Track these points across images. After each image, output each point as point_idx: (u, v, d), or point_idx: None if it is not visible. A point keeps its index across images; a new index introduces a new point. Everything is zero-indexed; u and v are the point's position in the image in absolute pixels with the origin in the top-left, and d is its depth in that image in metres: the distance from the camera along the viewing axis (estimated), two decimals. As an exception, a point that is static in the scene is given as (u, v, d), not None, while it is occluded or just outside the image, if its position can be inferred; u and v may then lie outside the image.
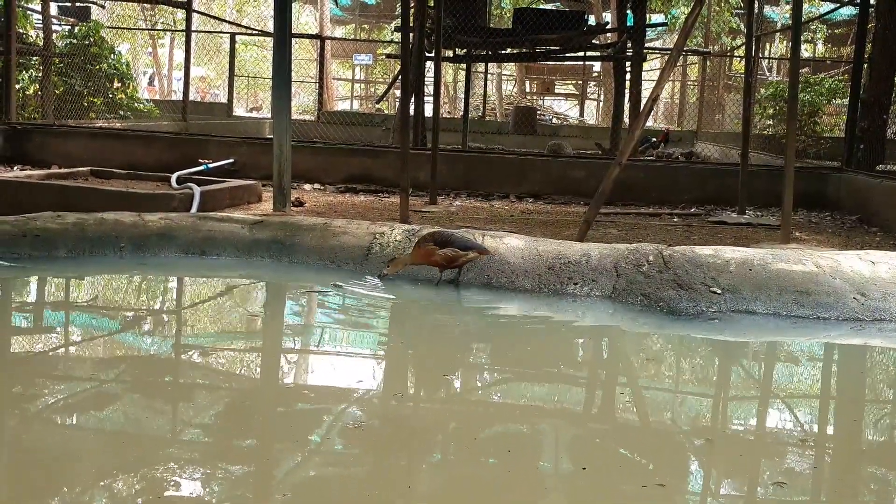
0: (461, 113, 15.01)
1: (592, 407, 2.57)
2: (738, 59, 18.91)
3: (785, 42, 19.63)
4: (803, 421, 2.49)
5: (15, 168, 7.84)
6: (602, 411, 2.51)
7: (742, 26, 19.82)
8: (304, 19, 29.59)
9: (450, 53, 12.30)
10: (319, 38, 19.22)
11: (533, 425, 2.31)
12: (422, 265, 3.64)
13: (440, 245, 3.57)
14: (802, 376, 2.98)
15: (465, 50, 12.30)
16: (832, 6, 14.36)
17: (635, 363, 3.00)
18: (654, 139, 12.61)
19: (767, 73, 18.73)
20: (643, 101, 8.04)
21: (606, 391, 2.72)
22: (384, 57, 19.75)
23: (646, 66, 13.57)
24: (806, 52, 21.14)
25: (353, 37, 28.41)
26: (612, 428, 2.34)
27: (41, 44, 12.27)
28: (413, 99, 8.60)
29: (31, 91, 12.16)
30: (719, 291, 3.35)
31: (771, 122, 13.05)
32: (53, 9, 13.56)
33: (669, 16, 19.85)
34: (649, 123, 13.49)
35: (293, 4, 5.95)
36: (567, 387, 2.72)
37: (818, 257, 3.48)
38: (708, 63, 17.77)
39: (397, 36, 14.15)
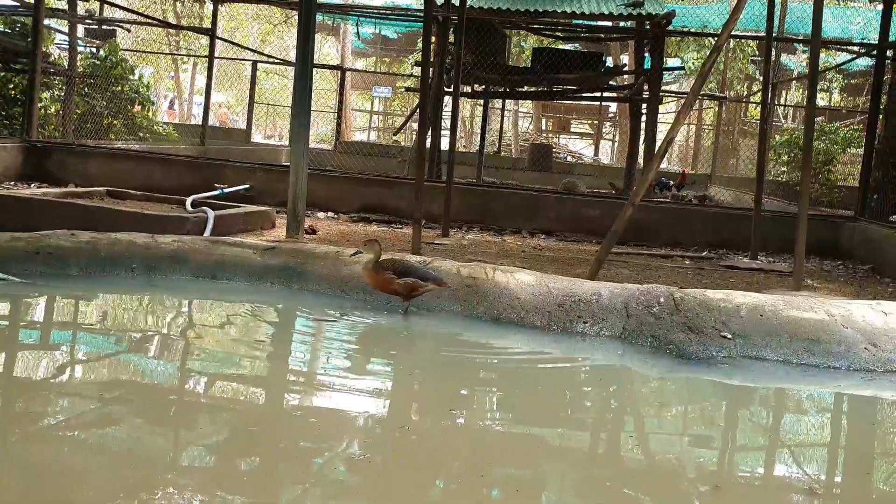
0: (477, 147, 15.11)
1: (600, 449, 2.55)
2: (755, 104, 18.98)
3: (801, 90, 19.73)
4: (812, 471, 2.45)
5: (33, 185, 7.93)
6: (610, 454, 2.48)
7: (758, 73, 19.94)
8: (325, 50, 30.00)
9: (468, 89, 12.43)
10: (340, 69, 19.48)
11: (540, 465, 2.28)
12: (375, 291, 3.66)
13: (399, 275, 3.55)
14: (812, 426, 2.94)
15: (483, 86, 12.43)
16: (849, 56, 14.43)
17: (644, 406, 2.97)
18: (672, 182, 12.63)
19: (783, 120, 18.79)
20: (658, 143, 8.07)
21: (614, 434, 2.69)
22: (403, 90, 19.98)
23: (661, 108, 13.64)
24: (822, 100, 21.21)
25: (373, 69, 28.76)
26: (619, 471, 2.31)
27: (65, 64, 12.48)
28: (430, 132, 8.67)
29: (53, 110, 12.35)
30: (729, 336, 3.33)
31: (785, 169, 13.06)
32: (80, 30, 13.81)
33: (681, 60, 19.98)
34: (663, 165, 13.51)
35: (316, 35, 6.04)
36: (575, 428, 2.69)
37: (830, 305, 3.45)
38: (724, 108, 17.86)
39: (417, 70, 14.32)
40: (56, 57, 13.12)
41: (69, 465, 2.01)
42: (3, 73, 10.66)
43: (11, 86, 11.23)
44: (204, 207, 6.14)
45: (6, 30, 11.44)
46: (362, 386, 2.88)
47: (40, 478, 1.90)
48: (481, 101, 14.59)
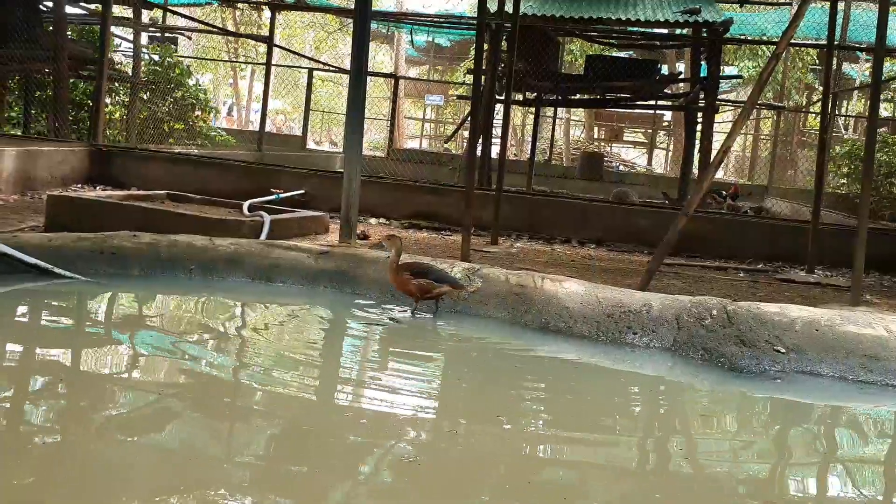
0: (527, 156, 15.09)
1: (648, 461, 2.53)
2: (814, 115, 18.54)
3: (863, 100, 19.19)
4: (869, 493, 2.39)
5: (97, 188, 8.21)
6: (658, 466, 2.47)
7: (817, 83, 19.47)
8: (380, 58, 30.33)
9: (520, 97, 12.42)
10: (394, 77, 19.66)
11: (588, 474, 2.28)
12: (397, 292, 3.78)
13: (416, 276, 3.65)
14: (869, 445, 2.87)
15: (535, 94, 12.41)
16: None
17: (693, 419, 2.94)
18: (726, 192, 12.42)
19: (843, 131, 18.31)
20: (713, 153, 7.96)
21: (663, 446, 2.67)
22: (455, 98, 20.08)
23: (717, 117, 13.43)
24: (885, 111, 20.57)
25: (426, 77, 28.97)
26: (668, 483, 2.29)
27: (129, 71, 12.90)
28: (481, 140, 8.69)
29: (117, 115, 12.78)
30: (783, 350, 3.27)
31: (845, 181, 12.74)
32: (144, 38, 14.26)
33: (737, 69, 19.61)
34: (718, 175, 13.28)
35: (370, 44, 6.14)
36: (623, 438, 2.68)
37: (889, 321, 3.36)
38: (782, 118, 17.49)
39: (469, 78, 14.37)
40: (123, 64, 13.57)
41: (123, 460, 2.08)
42: (71, 80, 11.06)
43: (76, 92, 11.65)
44: (260, 212, 6.27)
45: (75, 38, 11.88)
46: (411, 389, 2.92)
47: (93, 471, 1.98)
48: (532, 109, 14.56)
